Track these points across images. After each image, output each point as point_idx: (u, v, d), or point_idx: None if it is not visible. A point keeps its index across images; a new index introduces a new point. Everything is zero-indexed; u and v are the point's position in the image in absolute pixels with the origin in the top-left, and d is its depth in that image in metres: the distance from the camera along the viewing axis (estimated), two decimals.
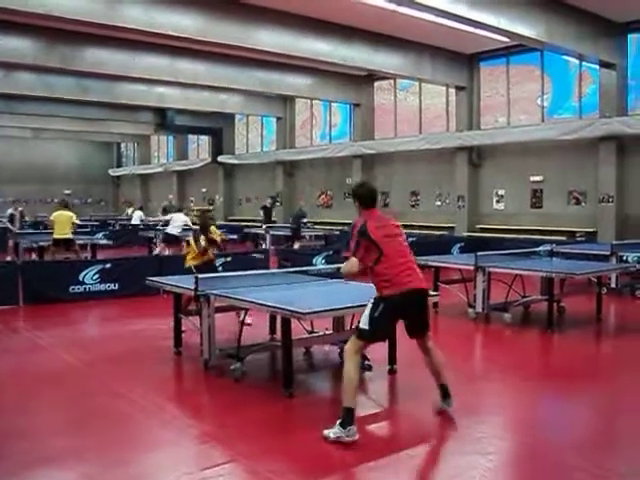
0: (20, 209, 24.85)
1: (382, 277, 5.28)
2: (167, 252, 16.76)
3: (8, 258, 17.03)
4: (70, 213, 15.68)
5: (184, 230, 16.62)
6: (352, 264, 5.34)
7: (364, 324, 5.24)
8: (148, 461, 5.01)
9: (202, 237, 9.44)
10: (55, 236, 15.31)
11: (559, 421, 5.21)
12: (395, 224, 5.62)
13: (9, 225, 22.11)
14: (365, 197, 5.58)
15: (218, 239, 9.73)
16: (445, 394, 5.64)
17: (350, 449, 4.98)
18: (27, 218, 25.63)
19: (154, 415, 5.87)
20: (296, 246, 18.77)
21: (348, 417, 5.00)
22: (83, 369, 7.50)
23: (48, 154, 39.18)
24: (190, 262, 9.46)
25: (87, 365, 7.64)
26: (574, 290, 11.36)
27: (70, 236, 15.45)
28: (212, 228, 9.63)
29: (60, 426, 5.66)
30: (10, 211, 23.98)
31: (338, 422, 5.01)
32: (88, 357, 8.00)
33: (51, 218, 15.76)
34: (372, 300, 5.31)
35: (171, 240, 17.09)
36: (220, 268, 13.25)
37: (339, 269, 5.84)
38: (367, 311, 5.27)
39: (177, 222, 17.20)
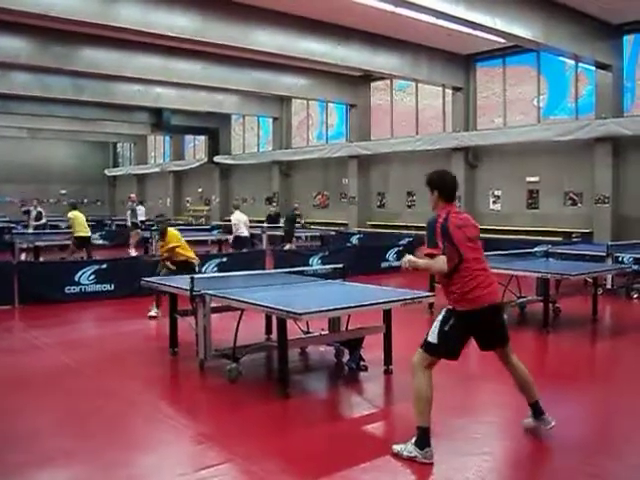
0: (39, 209, 23.05)
1: (458, 288, 4.71)
2: None
3: (22, 256, 17.17)
4: (81, 214, 16.36)
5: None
6: (442, 261, 4.65)
7: (432, 337, 4.74)
8: (143, 462, 5.00)
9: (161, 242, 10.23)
10: (80, 234, 15.89)
11: (554, 422, 5.20)
12: (475, 224, 4.95)
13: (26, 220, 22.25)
14: (447, 188, 4.90)
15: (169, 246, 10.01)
16: (539, 412, 5.13)
17: (346, 450, 4.98)
18: (44, 220, 22.87)
19: (150, 416, 5.87)
20: (287, 247, 18.70)
21: (424, 437, 4.64)
22: (78, 369, 7.49)
23: (44, 154, 39.12)
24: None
25: (83, 365, 7.63)
26: (570, 291, 11.38)
27: (90, 234, 16.34)
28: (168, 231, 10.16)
29: (55, 427, 5.65)
30: (29, 208, 23.58)
31: (413, 441, 4.69)
32: (84, 357, 8.00)
33: (70, 217, 16.18)
34: (443, 312, 4.80)
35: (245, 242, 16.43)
36: (216, 268, 13.33)
37: (404, 262, 4.95)
38: (437, 323, 4.76)
39: (241, 222, 16.27)
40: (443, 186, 4.91)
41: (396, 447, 4.77)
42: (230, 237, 16.90)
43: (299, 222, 20.46)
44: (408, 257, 4.97)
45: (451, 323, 4.70)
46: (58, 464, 4.92)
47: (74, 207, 16.69)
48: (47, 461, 4.91)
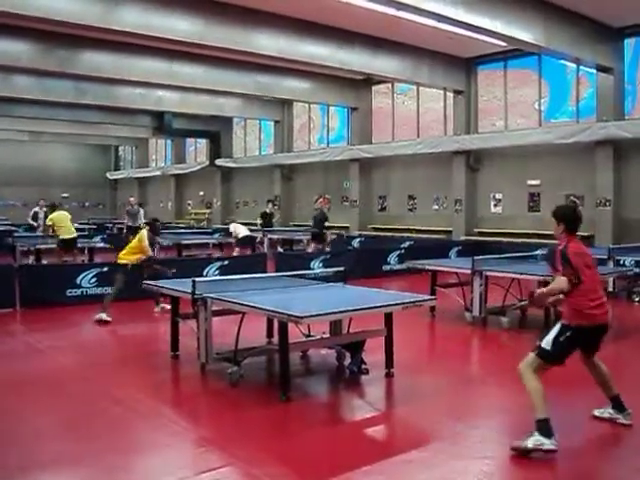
0: (45, 209, 22.23)
1: (575, 306, 5.26)
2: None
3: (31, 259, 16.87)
4: (65, 212, 15.65)
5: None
6: (562, 281, 5.20)
7: (547, 344, 5.25)
8: (145, 465, 5.01)
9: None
10: (64, 236, 15.08)
11: (555, 425, 5.20)
12: (590, 253, 5.54)
13: (33, 223, 21.99)
14: (573, 222, 5.44)
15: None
16: (620, 406, 5.64)
17: (347, 453, 4.98)
18: None
19: (151, 419, 5.87)
20: (310, 249, 18.53)
21: (547, 427, 4.95)
22: (80, 372, 7.49)
23: (46, 157, 39.17)
24: (125, 259, 10.75)
25: (84, 369, 7.63)
26: None
27: (76, 235, 15.48)
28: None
29: (57, 430, 5.65)
30: (35, 209, 23.33)
31: (537, 433, 4.94)
32: (85, 360, 8.00)
33: (50, 221, 15.38)
34: (560, 325, 5.33)
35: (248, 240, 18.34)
36: (217, 272, 13.34)
37: (532, 295, 5.61)
38: (553, 333, 5.28)
39: (239, 228, 18.44)
40: (571, 220, 5.45)
41: (517, 443, 4.97)
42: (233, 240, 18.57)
43: (326, 225, 19.81)
44: (537, 292, 5.61)
45: (567, 335, 5.23)
46: (60, 467, 4.92)
47: (53, 208, 15.95)
48: (49, 464, 4.92)
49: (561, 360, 5.31)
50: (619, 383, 7.23)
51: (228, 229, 19.53)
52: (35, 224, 21.78)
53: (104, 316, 10.51)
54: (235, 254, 18.02)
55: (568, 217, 5.45)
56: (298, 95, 22.89)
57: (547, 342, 5.25)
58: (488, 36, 14.25)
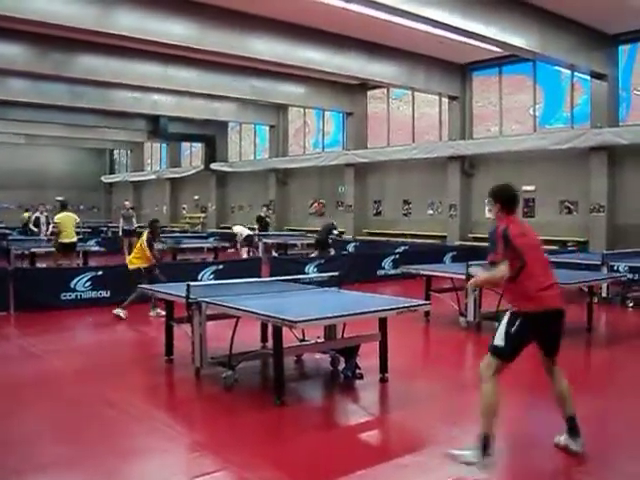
0: (46, 214, 22.66)
1: (522, 291, 4.86)
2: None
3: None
4: (73, 215, 15.52)
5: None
6: (503, 269, 4.85)
7: (499, 340, 4.85)
8: (139, 469, 5.01)
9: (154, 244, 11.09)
10: (65, 240, 14.91)
11: (549, 430, 5.21)
12: (535, 234, 5.17)
13: (34, 229, 21.97)
14: (509, 200, 5.12)
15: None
16: (573, 430, 5.01)
17: (342, 458, 4.98)
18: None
19: (145, 423, 5.86)
20: (313, 255, 18.48)
21: (486, 445, 4.66)
22: (74, 376, 7.48)
23: (41, 160, 39.10)
24: (137, 264, 10.97)
25: (78, 372, 7.62)
26: (565, 299, 11.33)
27: (76, 239, 15.36)
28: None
29: (51, 434, 5.63)
30: (37, 214, 23.29)
31: (474, 447, 4.69)
32: (79, 364, 7.99)
33: (56, 221, 15.26)
34: (508, 315, 4.91)
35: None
36: (212, 276, 13.35)
37: (470, 277, 5.29)
38: (502, 327, 4.88)
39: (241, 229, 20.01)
40: (505, 198, 5.13)
41: (456, 451, 4.82)
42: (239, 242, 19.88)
43: (334, 234, 19.79)
44: (471, 280, 5.45)
45: (517, 325, 4.82)
46: (54, 471, 4.91)
47: (64, 207, 15.74)
48: (43, 468, 4.90)
49: (516, 355, 4.92)
50: (613, 388, 7.27)
51: (233, 233, 20.49)
52: (36, 229, 21.78)
53: (121, 314, 10.97)
54: (245, 255, 18.13)
55: (504, 195, 5.13)
56: (293, 100, 22.92)
57: (499, 337, 4.87)
58: (483, 42, 14.31)
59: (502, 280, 4.95)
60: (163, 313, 9.39)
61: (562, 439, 5.09)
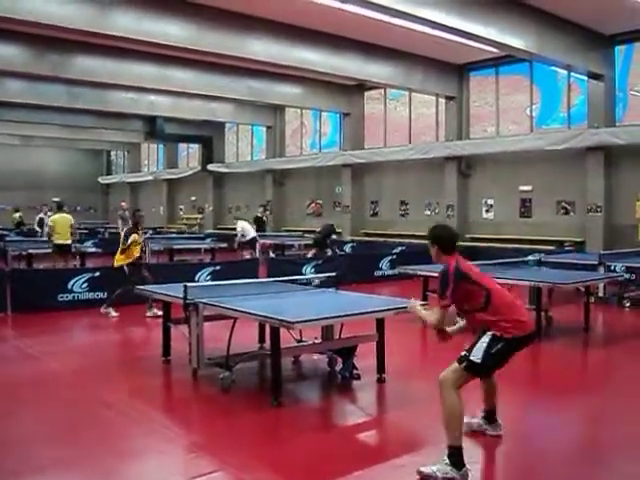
0: (50, 214, 22.87)
1: (499, 317, 4.83)
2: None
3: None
4: (69, 216, 15.55)
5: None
6: (436, 314, 5.01)
7: (476, 357, 4.81)
8: (136, 471, 5.00)
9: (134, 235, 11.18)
10: (59, 241, 14.99)
11: (547, 430, 5.22)
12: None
13: (38, 229, 21.94)
14: (447, 241, 5.14)
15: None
16: (492, 419, 5.41)
17: (339, 459, 4.98)
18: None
19: (142, 424, 5.86)
20: (310, 255, 18.45)
21: (459, 457, 4.55)
22: (71, 378, 7.47)
23: (37, 161, 39.07)
24: (120, 261, 11.17)
25: (75, 374, 7.61)
26: (562, 299, 11.41)
27: (70, 241, 15.36)
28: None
29: (48, 435, 5.62)
30: (40, 215, 23.23)
31: (447, 461, 4.54)
32: (76, 366, 7.97)
33: (50, 223, 15.37)
34: (491, 336, 4.84)
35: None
36: (209, 277, 13.33)
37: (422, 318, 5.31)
38: (483, 345, 4.83)
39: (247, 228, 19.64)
40: (443, 239, 5.14)
41: (426, 468, 4.58)
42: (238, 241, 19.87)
43: (333, 236, 19.77)
44: (415, 304, 5.45)
45: (499, 347, 4.82)
46: (51, 472, 4.90)
47: (60, 208, 15.82)
48: (39, 469, 4.89)
49: (490, 372, 5.08)
50: (609, 389, 7.28)
51: (236, 228, 20.10)
52: (39, 230, 21.80)
53: (112, 312, 11.27)
54: (248, 256, 18.10)
55: (442, 237, 5.15)
56: (290, 100, 22.92)
57: (476, 354, 4.83)
58: (481, 43, 14.32)
59: (431, 327, 5.13)
60: (160, 313, 9.42)
61: (475, 424, 5.41)
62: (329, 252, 18.69)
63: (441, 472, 4.49)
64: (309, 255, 18.24)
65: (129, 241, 11.18)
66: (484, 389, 5.37)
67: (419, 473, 4.57)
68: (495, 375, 5.24)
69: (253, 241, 19.60)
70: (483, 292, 4.88)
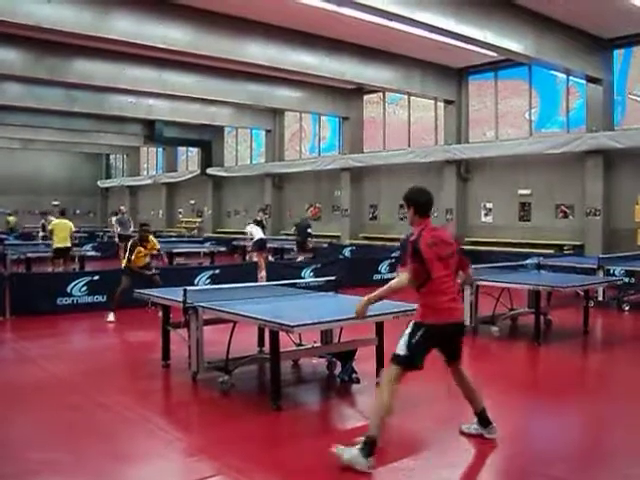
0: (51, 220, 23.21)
1: (426, 302, 4.99)
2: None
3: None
4: (69, 223, 15.71)
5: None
6: (401, 280, 5.01)
7: (401, 349, 4.93)
8: (135, 474, 4.99)
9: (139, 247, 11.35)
10: (58, 245, 15.24)
11: (546, 434, 5.22)
12: (450, 241, 5.11)
13: (42, 234, 22.10)
14: (422, 204, 5.12)
15: (156, 244, 11.83)
16: (485, 421, 5.32)
17: (337, 463, 4.97)
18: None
19: (141, 428, 5.85)
20: (301, 258, 18.55)
21: (371, 447, 4.67)
22: (70, 381, 7.46)
23: (36, 165, 39.07)
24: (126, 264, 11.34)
25: (74, 377, 7.60)
26: (561, 303, 11.42)
27: (69, 245, 15.51)
28: (150, 237, 11.66)
29: (47, 439, 5.61)
30: (43, 221, 23.35)
31: (358, 447, 4.69)
32: (75, 369, 7.96)
33: (50, 227, 15.73)
34: (412, 324, 5.01)
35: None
36: (208, 281, 13.32)
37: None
38: (405, 336, 4.97)
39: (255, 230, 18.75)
40: (419, 202, 5.14)
41: (338, 450, 4.76)
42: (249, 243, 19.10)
43: (310, 233, 19.89)
44: (357, 306, 5.38)
45: (419, 335, 4.91)
46: (49, 476, 4.89)
47: (62, 214, 16.22)
48: (38, 473, 4.88)
49: (417, 363, 4.98)
50: (609, 392, 7.28)
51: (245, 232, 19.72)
52: (42, 234, 21.93)
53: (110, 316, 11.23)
54: (255, 259, 18.06)
55: (417, 199, 5.15)
56: (289, 104, 22.93)
57: (401, 346, 4.94)
58: (479, 46, 14.35)
59: (400, 288, 5.05)
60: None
61: (472, 428, 5.38)
62: (310, 245, 19.17)
63: (348, 455, 4.66)
64: (300, 258, 18.32)
65: (132, 256, 11.22)
66: (462, 392, 5.39)
67: (330, 453, 4.76)
68: (472, 374, 5.25)
69: (260, 242, 18.63)
70: (424, 275, 4.91)
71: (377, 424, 4.77)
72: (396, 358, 4.96)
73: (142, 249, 11.38)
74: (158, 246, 11.98)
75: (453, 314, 5.05)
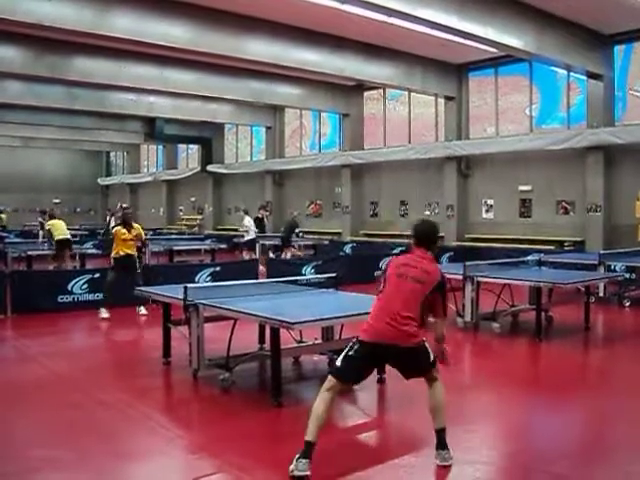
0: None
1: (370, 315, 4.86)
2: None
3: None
4: (61, 221, 16.30)
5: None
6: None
7: (339, 360, 4.78)
8: (136, 472, 5.00)
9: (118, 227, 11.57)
10: (60, 237, 15.79)
11: (548, 430, 5.22)
12: (423, 268, 4.83)
13: (40, 232, 22.17)
14: (415, 235, 5.11)
15: (142, 232, 11.87)
16: (441, 443, 4.78)
17: (339, 459, 4.97)
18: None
19: (142, 425, 5.85)
20: (287, 256, 18.64)
21: (306, 450, 4.53)
22: (71, 379, 7.46)
23: (37, 163, 39.05)
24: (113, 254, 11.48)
25: (75, 375, 7.60)
26: (562, 299, 11.40)
27: (69, 237, 16.17)
28: (134, 223, 11.70)
29: (47, 436, 5.61)
30: (40, 220, 23.41)
31: (299, 451, 4.56)
32: (76, 367, 7.96)
33: (47, 227, 16.37)
34: (354, 339, 4.81)
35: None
36: (209, 278, 13.32)
37: None
38: (345, 349, 4.79)
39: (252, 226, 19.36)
40: (413, 232, 5.15)
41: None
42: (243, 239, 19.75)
43: (296, 232, 20.10)
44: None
45: (355, 349, 4.72)
46: (49, 473, 4.89)
47: (52, 217, 16.80)
48: (39, 470, 4.89)
49: (346, 379, 4.82)
50: (610, 388, 7.27)
51: (242, 220, 19.98)
52: (41, 232, 21.99)
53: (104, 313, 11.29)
54: (247, 257, 18.06)
55: (414, 229, 5.16)
56: (290, 101, 22.93)
57: (340, 357, 4.78)
58: (480, 43, 14.35)
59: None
60: (145, 312, 10.47)
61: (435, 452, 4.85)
62: (295, 245, 19.73)
63: (294, 463, 4.47)
64: (284, 256, 18.42)
65: (119, 242, 11.44)
66: (428, 405, 4.95)
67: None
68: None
69: (253, 242, 19.50)
70: (381, 287, 4.93)
71: (311, 430, 4.60)
72: (333, 367, 4.88)
73: (126, 232, 11.47)
74: (143, 234, 12.08)
75: (375, 333, 4.68)
